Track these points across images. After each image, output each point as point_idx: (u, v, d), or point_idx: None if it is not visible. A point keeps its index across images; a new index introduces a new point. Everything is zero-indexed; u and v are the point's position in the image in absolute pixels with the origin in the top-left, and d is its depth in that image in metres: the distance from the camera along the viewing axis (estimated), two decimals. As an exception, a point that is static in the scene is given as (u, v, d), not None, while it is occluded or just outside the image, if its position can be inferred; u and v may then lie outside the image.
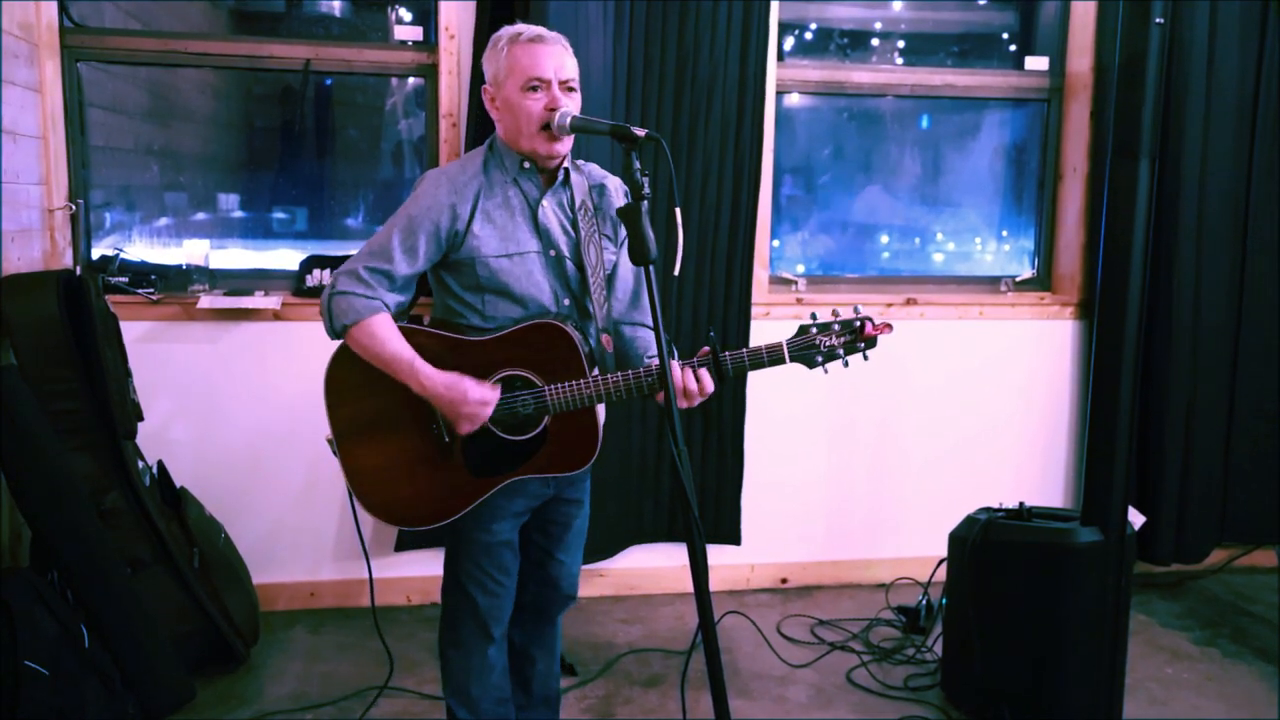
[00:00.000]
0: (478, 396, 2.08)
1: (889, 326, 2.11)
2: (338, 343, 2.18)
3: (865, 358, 2.12)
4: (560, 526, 2.39)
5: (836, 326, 2.10)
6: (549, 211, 2.20)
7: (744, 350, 2.10)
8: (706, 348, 2.11)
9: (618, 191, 2.31)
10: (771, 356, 2.09)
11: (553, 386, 2.12)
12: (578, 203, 2.22)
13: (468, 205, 2.13)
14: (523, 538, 2.35)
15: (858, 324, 2.10)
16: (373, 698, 2.99)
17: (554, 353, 2.13)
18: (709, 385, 2.08)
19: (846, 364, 2.11)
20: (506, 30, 2.16)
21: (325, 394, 2.19)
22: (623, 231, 2.28)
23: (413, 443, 2.18)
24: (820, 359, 2.10)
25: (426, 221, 2.12)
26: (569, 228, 2.22)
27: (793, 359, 2.10)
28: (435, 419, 2.16)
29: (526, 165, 2.18)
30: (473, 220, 2.13)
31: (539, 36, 2.13)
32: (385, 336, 2.10)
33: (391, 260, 2.11)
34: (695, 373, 2.08)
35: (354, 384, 2.17)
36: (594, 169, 2.32)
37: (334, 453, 2.22)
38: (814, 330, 2.10)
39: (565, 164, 2.22)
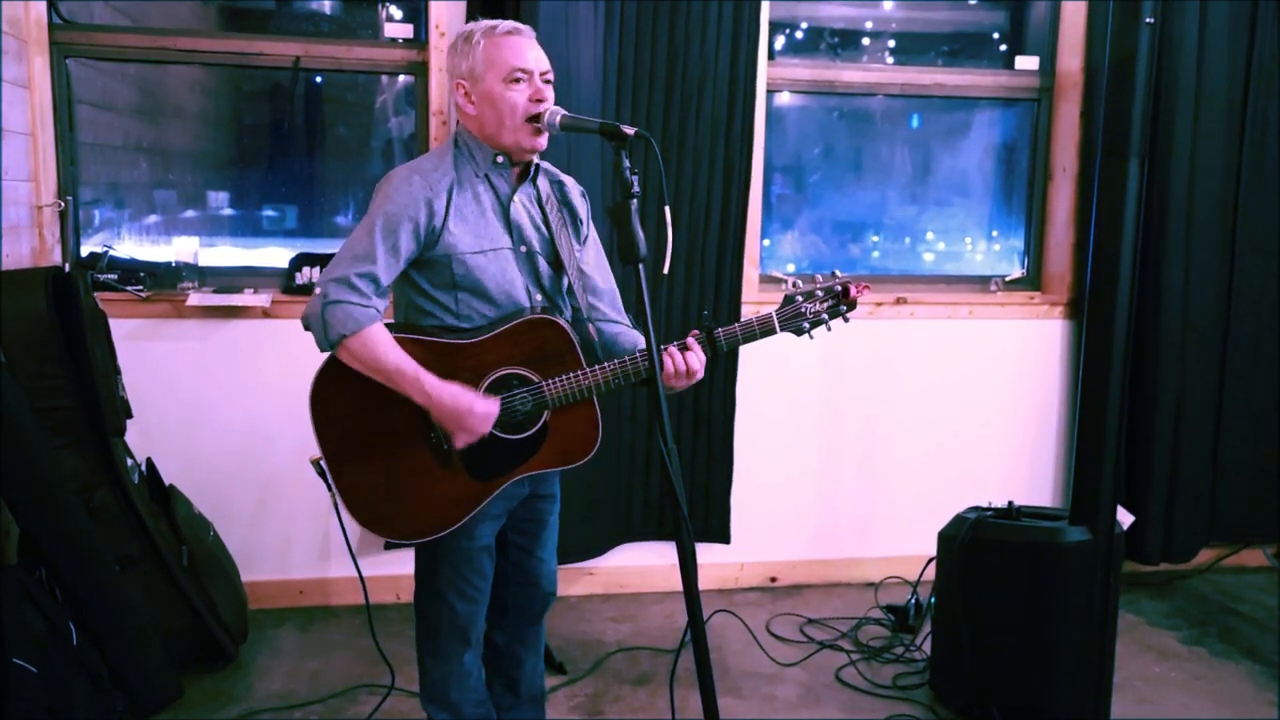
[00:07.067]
0: (482, 411, 2.06)
1: (867, 287, 2.21)
2: (324, 351, 2.10)
3: (845, 320, 2.21)
4: (537, 525, 2.38)
5: (819, 293, 2.18)
6: (520, 207, 2.18)
7: (736, 324, 2.16)
8: (697, 331, 2.17)
9: (574, 189, 2.33)
10: (763, 328, 2.17)
11: (550, 381, 2.12)
12: (544, 198, 2.23)
13: (442, 200, 2.09)
14: (499, 540, 2.33)
15: (839, 288, 2.18)
16: (378, 701, 2.98)
17: (549, 347, 2.13)
18: (701, 360, 2.15)
19: (829, 329, 2.20)
20: (478, 25, 2.13)
21: (312, 414, 2.11)
22: (585, 228, 2.33)
23: (410, 455, 2.13)
24: (808, 325, 2.18)
25: (405, 219, 2.05)
26: (540, 223, 2.21)
27: (782, 328, 2.17)
28: (432, 427, 2.11)
29: (499, 160, 2.15)
30: (448, 216, 2.09)
31: (515, 29, 2.13)
32: (386, 346, 2.03)
33: (376, 262, 2.03)
34: (686, 352, 2.12)
35: (343, 401, 2.11)
36: (549, 167, 2.32)
37: (321, 475, 2.14)
38: (799, 299, 2.18)
39: (535, 160, 2.21)
